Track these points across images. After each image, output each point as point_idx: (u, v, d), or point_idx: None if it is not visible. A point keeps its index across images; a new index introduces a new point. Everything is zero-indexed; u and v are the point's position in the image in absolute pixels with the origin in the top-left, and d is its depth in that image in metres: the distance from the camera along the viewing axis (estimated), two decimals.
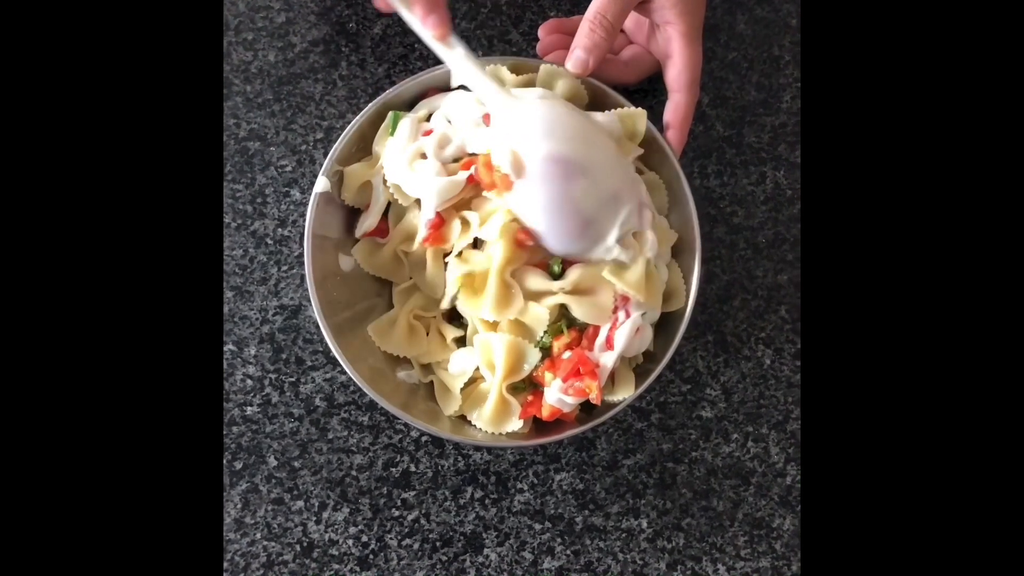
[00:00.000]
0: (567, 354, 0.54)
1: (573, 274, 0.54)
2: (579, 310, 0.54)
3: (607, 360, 0.54)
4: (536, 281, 0.55)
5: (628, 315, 0.55)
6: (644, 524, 0.61)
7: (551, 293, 0.54)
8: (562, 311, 0.55)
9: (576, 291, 0.55)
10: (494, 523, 0.61)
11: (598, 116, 0.56)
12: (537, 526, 0.61)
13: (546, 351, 0.55)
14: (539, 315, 0.54)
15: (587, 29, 0.56)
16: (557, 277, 0.55)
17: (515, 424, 0.55)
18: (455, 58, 0.55)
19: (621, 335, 0.54)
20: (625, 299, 0.55)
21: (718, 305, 0.65)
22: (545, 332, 0.54)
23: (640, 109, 0.57)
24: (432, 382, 0.59)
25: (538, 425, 0.57)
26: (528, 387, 0.56)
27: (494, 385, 0.55)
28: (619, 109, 0.57)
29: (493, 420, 0.55)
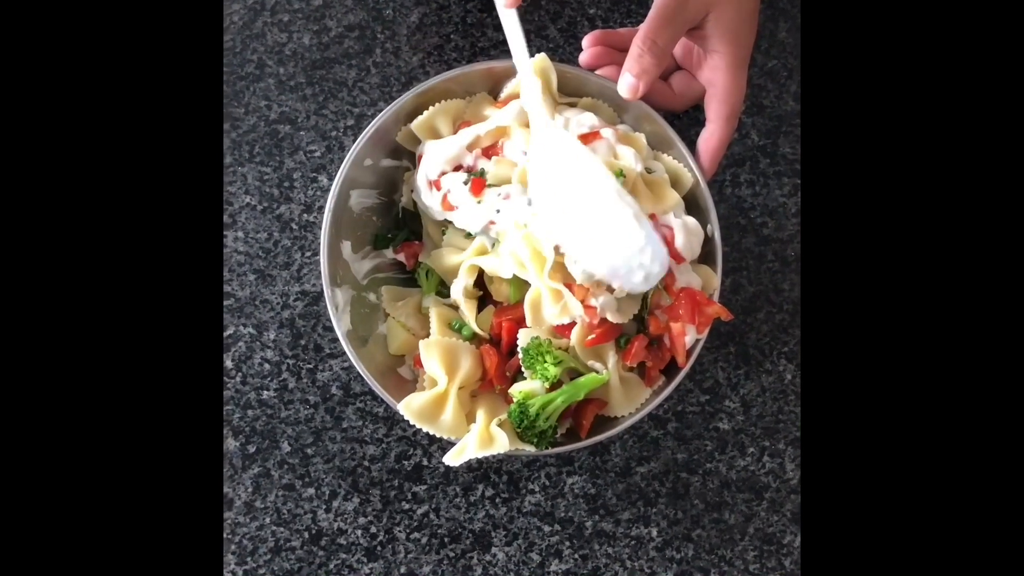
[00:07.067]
0: (667, 299, 0.54)
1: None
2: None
3: (691, 274, 0.55)
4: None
5: (669, 225, 0.54)
6: (654, 533, 0.61)
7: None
8: None
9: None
10: (503, 522, 0.61)
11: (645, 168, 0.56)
12: (546, 528, 0.61)
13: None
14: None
15: (636, 53, 0.54)
16: None
17: (645, 393, 0.56)
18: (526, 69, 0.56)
19: (680, 242, 0.54)
20: (653, 217, 0.54)
21: (742, 316, 0.64)
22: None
23: (690, 176, 0.57)
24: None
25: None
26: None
27: (613, 370, 0.55)
28: (676, 164, 0.57)
29: (621, 403, 0.55)
